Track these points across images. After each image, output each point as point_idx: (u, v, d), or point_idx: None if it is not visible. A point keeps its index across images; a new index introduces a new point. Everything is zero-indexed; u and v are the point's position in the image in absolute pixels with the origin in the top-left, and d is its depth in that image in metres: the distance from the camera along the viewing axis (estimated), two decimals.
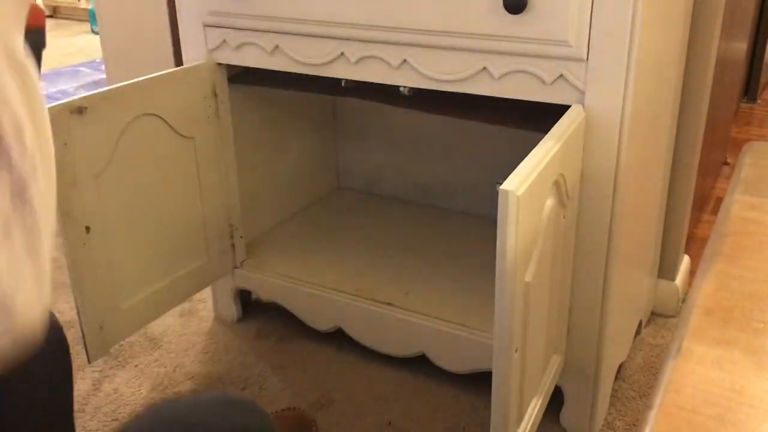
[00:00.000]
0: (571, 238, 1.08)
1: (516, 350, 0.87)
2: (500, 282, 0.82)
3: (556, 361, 1.13)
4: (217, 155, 1.37)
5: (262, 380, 1.40)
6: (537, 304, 0.94)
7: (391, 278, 1.42)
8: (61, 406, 0.88)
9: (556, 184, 0.96)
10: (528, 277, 0.88)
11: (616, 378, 1.36)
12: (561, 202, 1.00)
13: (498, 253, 0.81)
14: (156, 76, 1.21)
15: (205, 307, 1.63)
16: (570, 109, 1.02)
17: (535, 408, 1.02)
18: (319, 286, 1.41)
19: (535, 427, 1.03)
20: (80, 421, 1.30)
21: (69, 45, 4.37)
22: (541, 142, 0.92)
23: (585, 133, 1.04)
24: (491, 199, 0.92)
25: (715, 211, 2.05)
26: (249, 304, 1.60)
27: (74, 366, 0.97)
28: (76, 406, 1.28)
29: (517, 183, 0.80)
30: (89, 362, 1.17)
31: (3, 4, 0.46)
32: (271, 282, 1.45)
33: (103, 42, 2.32)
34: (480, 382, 1.31)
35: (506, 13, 1.01)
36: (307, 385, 1.39)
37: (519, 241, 0.82)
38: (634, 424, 1.27)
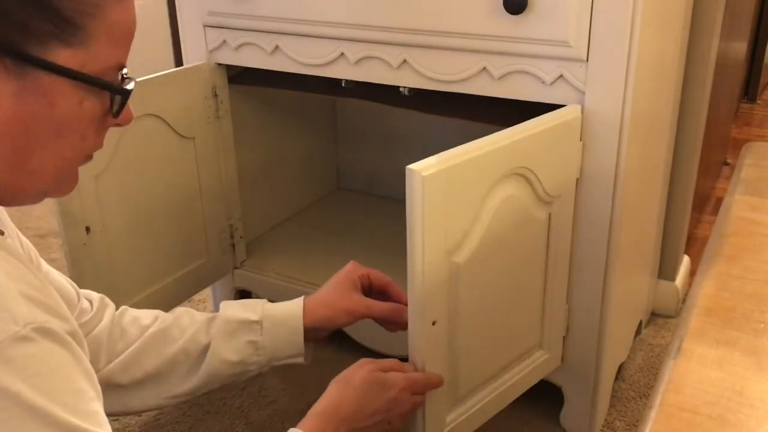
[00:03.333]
0: (563, 236, 1.09)
1: (434, 323, 0.90)
2: (410, 256, 0.89)
3: (541, 356, 1.14)
4: (217, 155, 1.37)
5: (262, 380, 1.40)
6: (482, 288, 0.97)
7: (390, 278, 1.42)
8: None
9: (523, 177, 0.98)
10: (459, 259, 0.91)
11: (616, 378, 1.36)
12: (537, 198, 1.01)
13: (408, 229, 0.87)
14: (156, 77, 1.21)
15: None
16: (562, 108, 1.02)
17: (487, 396, 1.05)
18: (319, 287, 1.40)
19: (487, 416, 1.05)
20: None
21: None
22: (495, 133, 0.95)
23: (585, 133, 1.04)
24: None
25: (715, 212, 2.05)
26: None
27: None
28: None
29: (425, 165, 0.85)
30: None
31: None
32: (271, 282, 1.45)
33: None
34: None
35: (506, 13, 1.01)
36: (307, 385, 1.39)
37: (432, 220, 0.87)
38: (634, 425, 1.27)
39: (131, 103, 0.66)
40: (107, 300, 0.97)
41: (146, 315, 0.98)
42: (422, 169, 0.83)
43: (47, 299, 0.56)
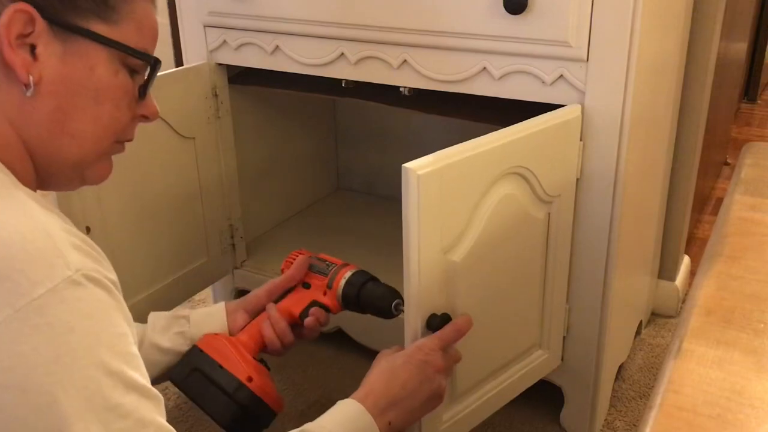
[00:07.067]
0: (563, 236, 1.09)
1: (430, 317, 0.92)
2: (405, 255, 0.88)
3: (540, 356, 1.14)
4: (217, 155, 1.37)
5: None
6: (480, 286, 0.97)
7: (391, 279, 1.42)
8: None
9: (521, 176, 0.98)
10: (455, 257, 0.92)
11: (616, 378, 1.36)
12: (536, 197, 1.01)
13: (403, 228, 0.86)
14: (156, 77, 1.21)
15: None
16: (563, 107, 1.02)
17: (485, 395, 1.05)
18: None
19: (485, 415, 1.06)
20: None
21: None
22: (493, 132, 0.95)
23: (585, 133, 1.04)
24: None
25: (715, 212, 2.05)
26: None
27: None
28: None
29: (421, 163, 0.84)
30: None
31: None
32: None
33: None
34: None
35: (506, 13, 1.01)
36: (307, 385, 1.39)
37: (427, 219, 0.86)
38: (634, 425, 1.27)
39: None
40: None
41: None
42: (417, 168, 0.83)
43: (93, 251, 0.62)
